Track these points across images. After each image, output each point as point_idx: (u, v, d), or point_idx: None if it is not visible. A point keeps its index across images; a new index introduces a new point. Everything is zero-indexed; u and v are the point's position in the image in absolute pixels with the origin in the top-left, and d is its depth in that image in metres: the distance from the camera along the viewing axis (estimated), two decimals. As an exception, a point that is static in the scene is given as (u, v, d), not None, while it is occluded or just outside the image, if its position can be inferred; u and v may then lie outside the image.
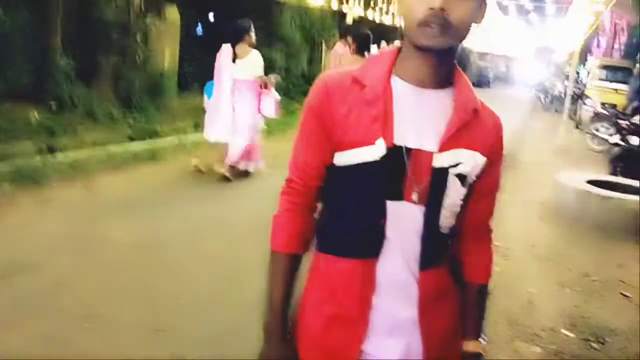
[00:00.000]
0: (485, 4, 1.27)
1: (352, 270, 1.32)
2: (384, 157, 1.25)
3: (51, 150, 7.01)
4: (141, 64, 9.90)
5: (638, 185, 6.60)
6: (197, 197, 6.06)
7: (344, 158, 1.30)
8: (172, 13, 11.15)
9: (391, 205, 1.28)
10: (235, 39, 6.46)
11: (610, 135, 9.75)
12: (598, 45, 22.09)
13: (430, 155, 1.27)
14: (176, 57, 11.44)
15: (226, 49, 6.46)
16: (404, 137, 1.26)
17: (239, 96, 6.56)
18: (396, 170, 1.27)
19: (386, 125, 1.26)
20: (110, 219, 5.06)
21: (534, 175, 8.49)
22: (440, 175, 1.28)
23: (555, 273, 4.83)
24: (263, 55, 6.70)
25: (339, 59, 7.55)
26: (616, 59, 18.36)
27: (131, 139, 8.31)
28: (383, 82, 1.28)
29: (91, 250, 4.38)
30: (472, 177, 1.32)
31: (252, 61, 6.54)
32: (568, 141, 11.63)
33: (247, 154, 6.73)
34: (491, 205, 1.46)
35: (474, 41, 30.55)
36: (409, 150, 1.26)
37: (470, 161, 1.30)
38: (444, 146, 1.27)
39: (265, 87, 6.74)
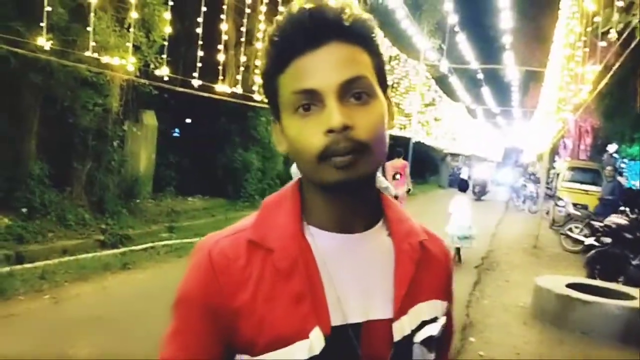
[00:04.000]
0: (392, 103, 0.95)
1: None
2: (324, 351, 0.85)
3: (19, 258, 6.81)
4: (116, 169, 9.92)
5: (617, 288, 6.59)
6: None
7: None
8: (149, 118, 11.35)
9: None
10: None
11: (585, 236, 9.84)
12: (565, 147, 22.84)
13: (385, 324, 0.90)
14: (152, 161, 11.53)
15: None
16: (346, 310, 0.88)
17: None
18: None
19: (318, 303, 0.86)
20: (77, 335, 4.81)
21: (512, 278, 8.44)
22: (404, 348, 0.91)
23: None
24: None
25: None
26: (584, 161, 18.89)
27: (103, 244, 8.16)
28: (297, 239, 0.89)
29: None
30: (439, 334, 0.96)
31: None
32: (543, 242, 11.70)
33: None
34: (447, 355, 1.09)
35: (446, 143, 31.54)
36: (356, 326, 0.88)
37: (433, 314, 0.96)
38: (401, 309, 0.91)
39: None
